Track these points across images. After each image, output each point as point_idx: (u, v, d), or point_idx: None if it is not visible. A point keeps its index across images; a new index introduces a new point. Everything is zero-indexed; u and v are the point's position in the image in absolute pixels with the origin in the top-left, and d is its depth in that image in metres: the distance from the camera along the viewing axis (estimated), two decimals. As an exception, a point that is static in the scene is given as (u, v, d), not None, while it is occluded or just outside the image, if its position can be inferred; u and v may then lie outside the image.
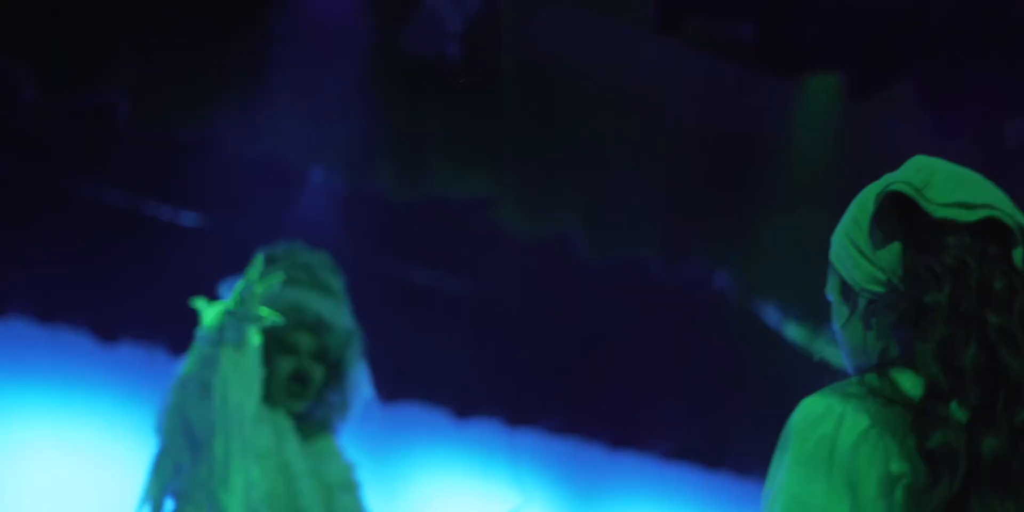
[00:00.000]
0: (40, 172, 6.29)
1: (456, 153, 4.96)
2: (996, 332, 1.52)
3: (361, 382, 3.56)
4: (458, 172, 4.41)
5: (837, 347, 4.90)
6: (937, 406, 1.49)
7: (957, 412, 1.48)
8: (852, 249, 1.68)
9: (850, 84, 5.24)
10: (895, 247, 1.64)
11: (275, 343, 3.37)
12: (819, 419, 1.55)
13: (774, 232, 4.93)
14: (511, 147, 4.66)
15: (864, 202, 1.70)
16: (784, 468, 1.53)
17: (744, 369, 7.74)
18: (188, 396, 3.19)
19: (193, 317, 6.34)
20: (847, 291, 1.72)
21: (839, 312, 1.75)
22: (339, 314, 3.49)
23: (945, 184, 1.62)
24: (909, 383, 1.55)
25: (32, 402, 6.60)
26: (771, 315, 4.98)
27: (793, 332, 4.93)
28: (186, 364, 3.22)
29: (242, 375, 3.09)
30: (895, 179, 1.66)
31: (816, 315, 5.01)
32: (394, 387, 7.01)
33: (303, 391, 3.40)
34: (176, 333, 6.48)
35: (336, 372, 3.51)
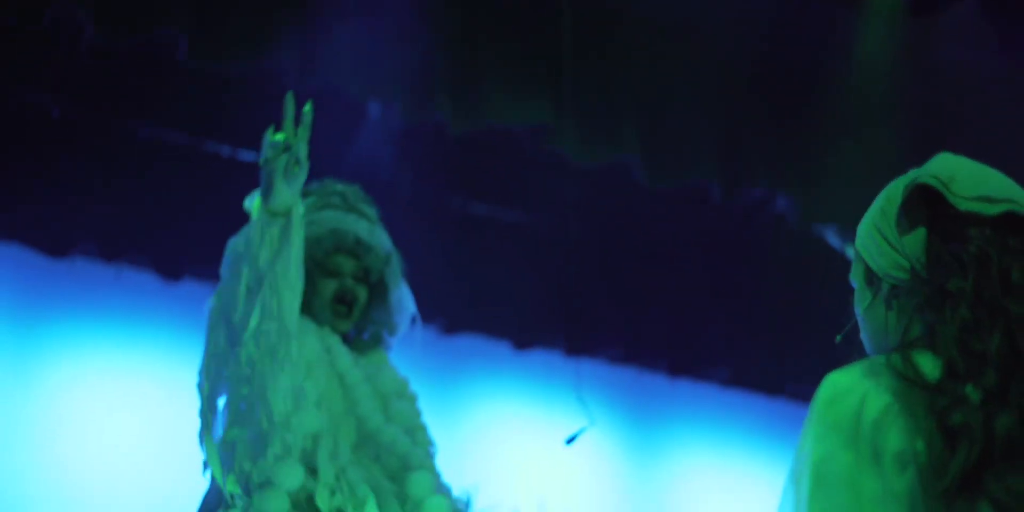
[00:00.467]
0: (102, 113, 6.34)
1: (515, 82, 4.95)
2: (1016, 319, 1.61)
3: (405, 301, 3.61)
4: (517, 101, 4.41)
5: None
6: (955, 386, 1.59)
7: (972, 393, 1.57)
8: (879, 237, 1.80)
9: (913, 0, 5.14)
10: (920, 235, 1.74)
11: (317, 267, 3.43)
12: (845, 393, 1.65)
13: (835, 155, 4.90)
14: (570, 75, 4.64)
15: (892, 193, 1.81)
16: (811, 438, 1.63)
17: (803, 296, 7.74)
18: (229, 290, 3.27)
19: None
20: (871, 277, 1.83)
21: (862, 296, 1.87)
22: (376, 236, 3.55)
23: (969, 179, 1.72)
24: (928, 365, 1.65)
25: (98, 338, 6.72)
26: (832, 239, 4.96)
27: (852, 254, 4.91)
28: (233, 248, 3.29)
29: (286, 248, 3.17)
30: (923, 173, 1.76)
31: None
32: (454, 319, 7.07)
33: (349, 312, 3.46)
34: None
35: (379, 292, 3.57)
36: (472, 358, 7.56)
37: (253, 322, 3.08)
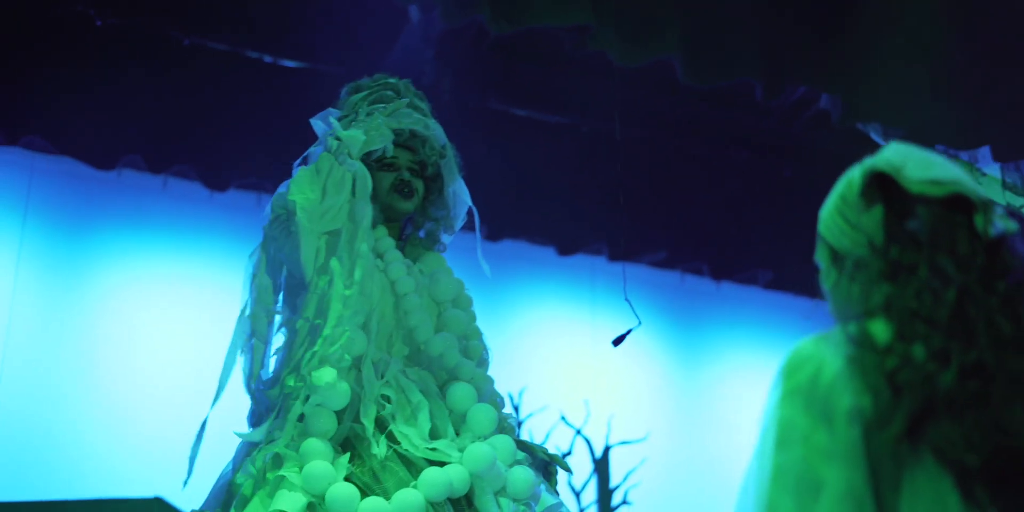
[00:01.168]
0: (146, 22, 6.34)
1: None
2: (962, 287, 1.81)
3: (462, 194, 3.60)
4: (556, 2, 4.34)
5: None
6: (903, 348, 1.78)
7: (919, 353, 1.77)
8: (841, 220, 1.99)
9: None
10: (877, 215, 1.94)
11: (373, 162, 3.41)
12: (804, 361, 1.82)
13: (880, 53, 4.83)
14: (609, -26, 4.59)
15: (851, 180, 2.00)
16: (777, 400, 1.81)
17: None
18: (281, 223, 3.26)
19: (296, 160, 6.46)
20: (836, 256, 2.02)
21: (828, 275, 2.05)
22: (431, 129, 3.52)
23: (919, 165, 1.93)
24: (881, 331, 1.83)
25: (145, 247, 6.79)
26: (876, 138, 4.92)
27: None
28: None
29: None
30: (877, 160, 1.97)
31: (921, 136, 4.96)
32: (498, 225, 7.10)
33: (409, 194, 3.45)
34: (283, 177, 6.62)
35: (436, 186, 3.56)
36: (516, 263, 7.60)
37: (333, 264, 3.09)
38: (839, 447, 1.74)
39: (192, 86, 6.38)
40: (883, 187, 1.95)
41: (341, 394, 3.07)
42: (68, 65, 6.13)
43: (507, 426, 3.37)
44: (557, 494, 3.30)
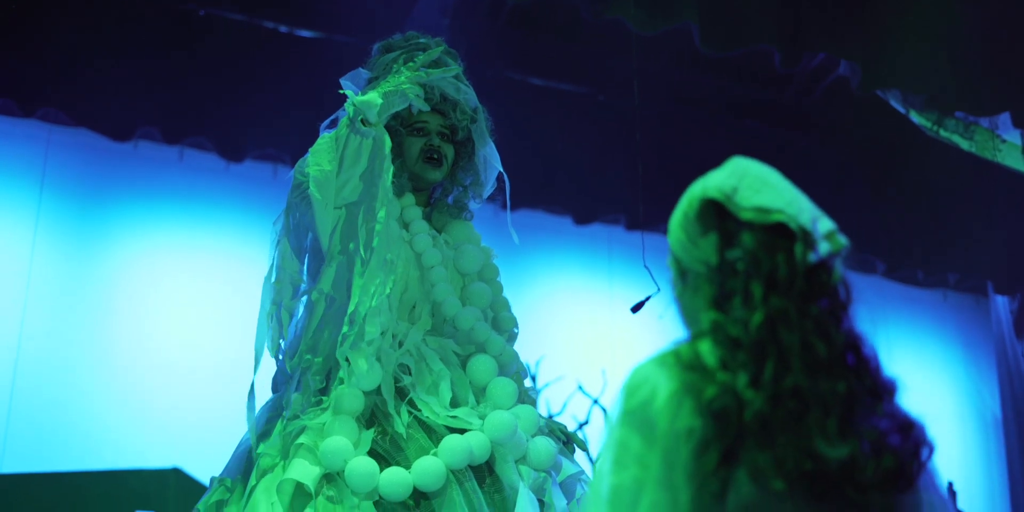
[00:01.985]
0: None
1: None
2: (776, 312, 1.88)
3: (492, 159, 3.54)
4: (574, -31, 4.31)
5: (960, 136, 4.81)
6: (724, 375, 1.84)
7: (740, 381, 1.83)
8: (683, 236, 2.06)
9: None
10: (712, 239, 2.01)
11: (403, 126, 3.38)
12: (640, 385, 1.88)
13: (899, 19, 4.79)
14: (625, -59, 4.54)
15: (690, 200, 2.08)
16: (615, 420, 1.87)
17: (865, 163, 7.66)
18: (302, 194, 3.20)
19: (313, 132, 6.44)
20: (681, 268, 2.09)
21: (675, 283, 2.13)
22: (463, 92, 3.45)
23: (750, 190, 2.02)
24: (709, 352, 1.90)
25: (162, 218, 6.80)
26: (895, 104, 4.89)
27: (918, 120, 4.85)
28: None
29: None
30: (712, 184, 2.06)
31: (941, 102, 4.93)
32: (515, 195, 7.07)
33: (439, 161, 3.39)
34: (299, 148, 6.61)
35: (466, 150, 3.51)
36: (533, 233, 7.59)
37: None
38: (660, 470, 1.81)
39: (208, 57, 6.35)
40: (718, 212, 2.05)
41: (374, 376, 3.06)
42: (84, 37, 6.11)
43: (528, 399, 3.35)
44: (578, 464, 3.29)
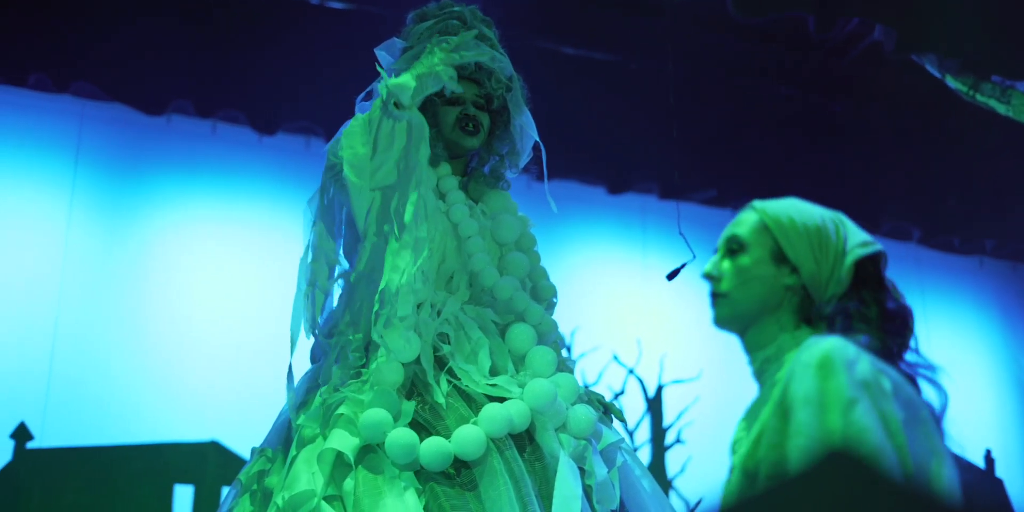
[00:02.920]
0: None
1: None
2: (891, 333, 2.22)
3: (528, 128, 3.51)
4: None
5: (996, 101, 4.73)
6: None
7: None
8: (820, 254, 2.26)
9: None
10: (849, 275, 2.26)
11: (437, 95, 3.33)
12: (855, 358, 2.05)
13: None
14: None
15: (837, 245, 2.28)
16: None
17: (899, 129, 7.61)
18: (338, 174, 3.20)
19: (346, 104, 6.43)
20: (784, 259, 2.28)
21: (762, 268, 2.30)
22: (497, 61, 3.41)
23: (849, 229, 2.34)
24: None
25: (196, 191, 6.82)
26: (931, 69, 4.84)
27: (953, 84, 4.79)
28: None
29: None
30: (857, 246, 2.29)
31: (976, 66, 4.87)
32: (549, 164, 7.05)
33: (475, 129, 3.36)
34: (331, 120, 6.62)
35: (501, 119, 3.47)
36: (567, 203, 7.57)
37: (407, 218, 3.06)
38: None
39: (239, 30, 6.36)
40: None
41: (412, 349, 3.06)
42: (116, 12, 6.12)
43: (566, 369, 3.35)
44: (617, 432, 3.29)
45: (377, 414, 2.93)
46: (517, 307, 3.28)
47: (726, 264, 2.28)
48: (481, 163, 3.55)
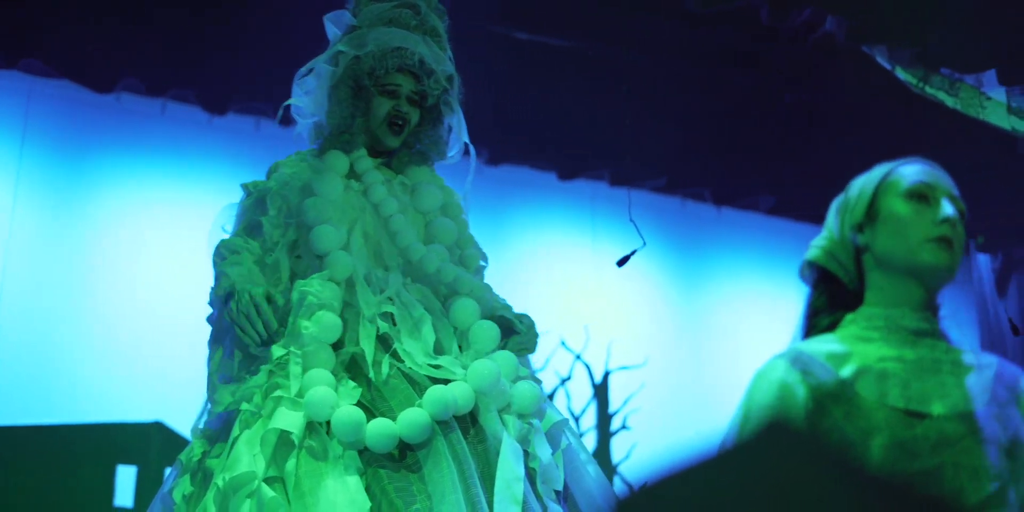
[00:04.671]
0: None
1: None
2: None
3: (457, 129, 3.52)
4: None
5: (945, 93, 4.75)
6: None
7: None
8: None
9: None
10: None
11: (375, 84, 3.36)
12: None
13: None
14: None
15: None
16: None
17: (850, 122, 7.65)
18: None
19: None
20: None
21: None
22: (440, 59, 3.42)
23: None
24: None
25: (144, 171, 6.76)
26: (882, 60, 4.88)
27: (904, 76, 4.84)
28: None
29: None
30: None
31: (927, 59, 4.91)
32: (499, 150, 7.05)
33: (400, 130, 3.39)
34: (281, 100, 6.56)
35: (432, 117, 3.49)
36: (517, 188, 7.57)
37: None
38: None
39: (191, 8, 6.29)
40: None
41: (331, 328, 3.07)
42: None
43: (525, 324, 3.36)
44: (559, 412, 3.30)
45: (322, 391, 2.92)
46: (446, 278, 3.29)
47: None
48: (409, 147, 3.57)
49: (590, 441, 7.25)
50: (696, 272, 8.13)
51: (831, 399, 2.02)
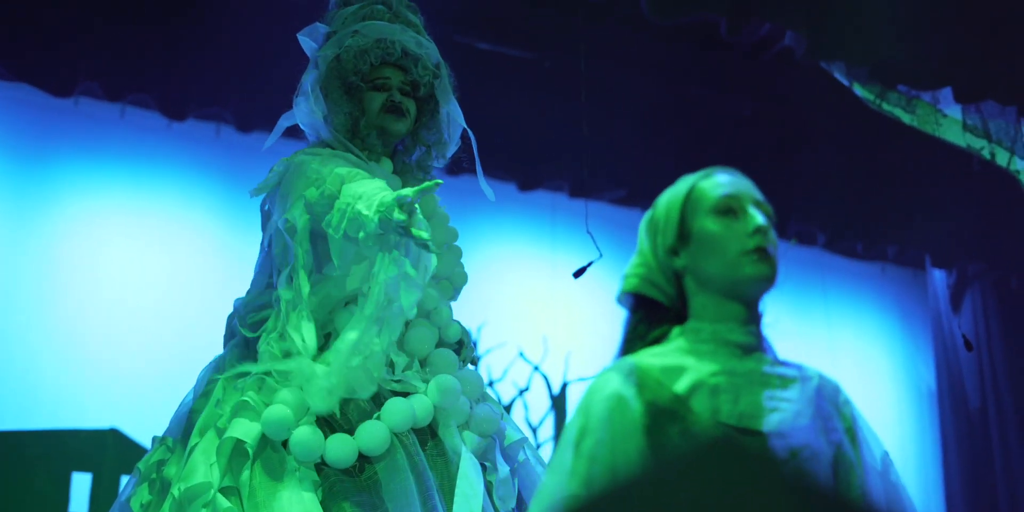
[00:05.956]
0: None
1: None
2: None
3: (455, 116, 3.50)
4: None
5: (902, 110, 4.81)
6: None
7: None
8: None
9: None
10: None
11: (364, 81, 3.31)
12: None
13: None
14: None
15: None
16: None
17: (807, 134, 7.70)
18: None
19: (256, 91, 6.36)
20: None
21: None
22: (424, 46, 3.39)
23: None
24: None
25: (103, 176, 6.72)
26: (839, 76, 4.93)
27: (861, 92, 4.89)
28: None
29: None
30: None
31: (884, 75, 4.96)
32: (458, 160, 7.04)
33: (401, 114, 3.31)
34: (240, 106, 6.56)
35: (428, 107, 3.44)
36: (476, 198, 7.55)
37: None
38: None
39: (150, 12, 6.26)
40: None
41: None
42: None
43: (468, 349, 3.34)
44: (521, 431, 3.30)
45: (280, 411, 2.90)
46: (426, 305, 3.27)
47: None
48: (407, 153, 3.51)
49: (547, 452, 7.26)
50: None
51: (667, 416, 2.02)
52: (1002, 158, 5.08)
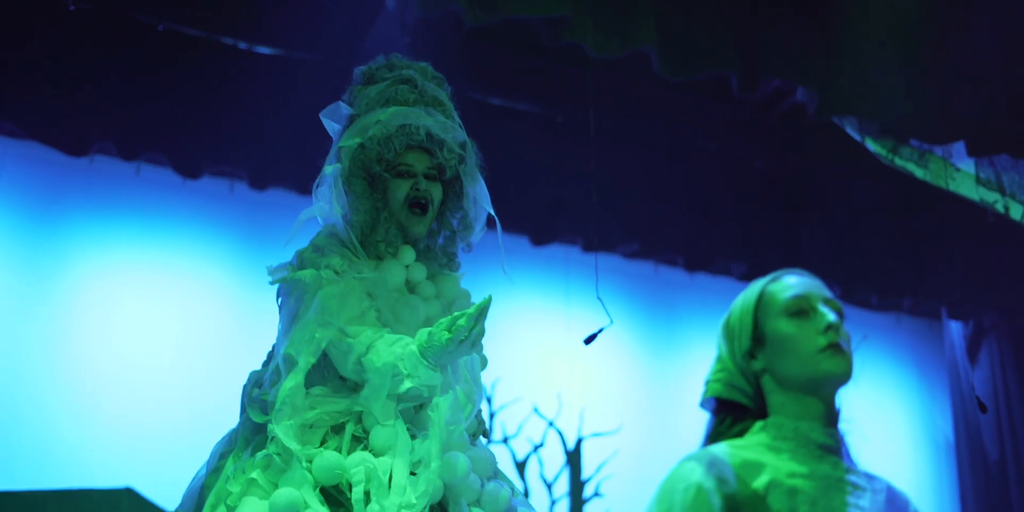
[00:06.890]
0: (119, 6, 6.28)
1: (531, -26, 4.86)
2: None
3: (481, 199, 3.36)
4: (534, -8, 4.31)
5: (915, 164, 4.83)
6: None
7: None
8: None
9: None
10: None
11: (388, 168, 3.21)
12: None
13: (856, 47, 4.85)
14: (585, -34, 4.56)
15: None
16: None
17: (819, 189, 7.71)
18: None
19: (269, 149, 6.40)
20: None
21: None
22: (448, 127, 3.27)
23: None
24: None
25: (118, 235, 6.75)
26: (851, 131, 4.94)
27: (873, 147, 4.90)
28: None
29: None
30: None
31: (896, 131, 4.97)
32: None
33: (423, 213, 3.20)
34: (255, 164, 6.59)
35: (454, 190, 3.33)
36: (491, 253, 7.56)
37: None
38: None
39: (166, 72, 6.32)
40: None
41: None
42: (40, 49, 6.07)
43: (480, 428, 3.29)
44: (533, 508, 3.25)
45: (289, 495, 2.85)
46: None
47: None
48: (432, 236, 3.39)
49: (563, 508, 7.21)
50: (669, 338, 8.13)
51: (745, 511, 2.03)
52: (1015, 211, 5.08)
